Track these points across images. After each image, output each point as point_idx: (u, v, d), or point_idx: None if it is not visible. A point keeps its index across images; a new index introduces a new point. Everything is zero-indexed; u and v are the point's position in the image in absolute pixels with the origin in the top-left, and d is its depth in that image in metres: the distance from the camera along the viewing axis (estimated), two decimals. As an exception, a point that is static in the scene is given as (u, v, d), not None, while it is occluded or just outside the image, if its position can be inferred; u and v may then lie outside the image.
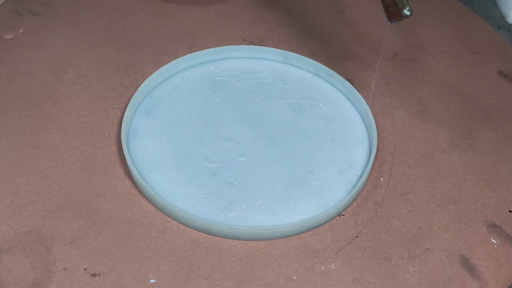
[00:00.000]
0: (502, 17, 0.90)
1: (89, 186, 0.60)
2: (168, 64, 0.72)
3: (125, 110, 0.65)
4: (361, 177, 0.61)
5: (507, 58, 0.80)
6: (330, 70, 0.73)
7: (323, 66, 0.74)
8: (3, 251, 0.54)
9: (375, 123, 0.67)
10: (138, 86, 0.69)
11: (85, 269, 0.53)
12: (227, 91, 0.72)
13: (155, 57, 0.76)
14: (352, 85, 0.72)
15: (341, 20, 0.85)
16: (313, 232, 0.57)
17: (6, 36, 0.78)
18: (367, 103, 0.69)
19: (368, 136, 0.67)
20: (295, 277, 0.53)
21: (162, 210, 0.58)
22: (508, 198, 0.62)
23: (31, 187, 0.59)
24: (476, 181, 0.63)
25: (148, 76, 0.70)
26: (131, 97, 0.67)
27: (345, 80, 0.72)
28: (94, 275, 0.52)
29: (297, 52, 0.76)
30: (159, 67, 0.72)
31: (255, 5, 0.87)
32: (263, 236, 0.56)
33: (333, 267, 0.54)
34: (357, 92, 0.70)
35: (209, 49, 0.75)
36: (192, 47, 0.78)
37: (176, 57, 0.74)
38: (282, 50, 0.76)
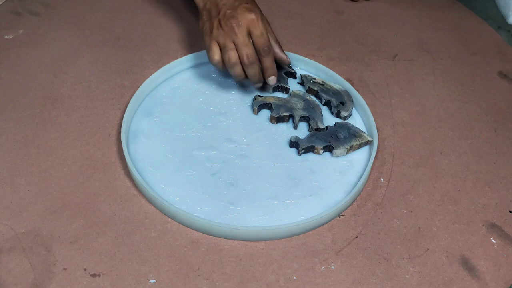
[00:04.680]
0: (502, 17, 0.90)
1: (89, 186, 0.60)
2: (168, 65, 0.72)
3: (125, 111, 0.65)
4: (361, 177, 0.61)
5: (507, 58, 0.80)
6: (330, 70, 0.73)
7: (323, 66, 0.74)
8: (3, 252, 0.54)
9: (375, 123, 0.67)
10: (138, 86, 0.69)
11: (85, 269, 0.53)
12: (227, 91, 0.72)
13: (155, 57, 0.76)
14: (352, 85, 0.72)
15: (341, 20, 0.86)
16: (313, 232, 0.57)
17: (6, 37, 0.78)
18: (367, 103, 0.69)
19: (368, 137, 0.67)
20: (295, 278, 0.53)
21: (162, 210, 0.58)
22: (508, 198, 0.62)
23: (31, 188, 0.59)
24: (476, 181, 0.63)
25: (148, 76, 0.70)
26: (131, 97, 0.67)
27: (345, 80, 0.72)
28: (94, 275, 0.52)
29: (297, 53, 0.76)
30: (159, 67, 0.72)
31: (255, 5, 0.87)
32: (263, 236, 0.56)
33: (333, 267, 0.54)
34: (357, 92, 0.70)
35: (209, 50, 0.75)
36: (192, 48, 0.78)
37: (176, 58, 0.74)
38: (282, 50, 0.76)
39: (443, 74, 0.77)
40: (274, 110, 0.68)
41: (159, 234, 0.56)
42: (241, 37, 0.64)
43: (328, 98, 0.69)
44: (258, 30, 0.64)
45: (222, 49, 0.64)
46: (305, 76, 0.73)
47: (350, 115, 0.69)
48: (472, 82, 0.76)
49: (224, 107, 0.69)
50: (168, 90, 0.71)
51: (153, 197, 0.57)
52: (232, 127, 0.67)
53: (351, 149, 0.64)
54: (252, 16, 0.64)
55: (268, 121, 0.68)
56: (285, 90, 0.71)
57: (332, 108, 0.69)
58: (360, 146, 0.65)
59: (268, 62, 0.66)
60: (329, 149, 0.64)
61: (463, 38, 0.83)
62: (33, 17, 0.82)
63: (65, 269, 0.53)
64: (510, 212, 0.60)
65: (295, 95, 0.70)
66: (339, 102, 0.69)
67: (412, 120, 0.70)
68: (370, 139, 0.65)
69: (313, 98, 0.70)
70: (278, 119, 0.68)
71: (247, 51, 0.64)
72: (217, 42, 0.65)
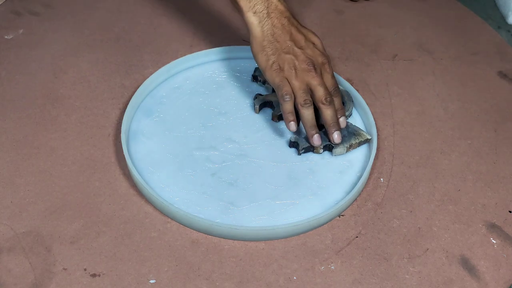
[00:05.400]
0: (502, 17, 0.90)
1: (89, 186, 0.60)
2: (168, 65, 0.72)
3: (125, 111, 0.65)
4: (361, 177, 0.61)
5: (507, 58, 0.80)
6: (330, 70, 0.73)
7: (323, 66, 0.74)
8: (3, 252, 0.54)
9: (375, 123, 0.67)
10: (138, 86, 0.69)
11: (85, 269, 0.53)
12: (227, 91, 0.72)
13: (155, 57, 0.76)
14: (352, 85, 0.72)
15: (341, 20, 0.86)
16: (313, 232, 0.57)
17: (6, 37, 0.78)
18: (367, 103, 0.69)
19: (368, 137, 0.67)
20: (295, 278, 0.53)
21: (162, 210, 0.58)
22: (508, 198, 0.62)
23: (31, 188, 0.59)
24: (476, 181, 0.63)
25: (148, 76, 0.70)
26: (131, 97, 0.67)
27: (345, 80, 0.72)
28: (94, 275, 0.52)
29: (297, 52, 0.76)
30: (159, 67, 0.72)
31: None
32: (263, 236, 0.56)
33: (333, 267, 0.54)
34: (357, 92, 0.70)
35: (209, 50, 0.75)
36: (192, 48, 0.78)
37: (176, 58, 0.74)
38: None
39: (443, 74, 0.77)
40: (275, 108, 0.68)
41: (159, 234, 0.56)
42: (318, 79, 0.62)
43: None
44: (330, 72, 0.64)
45: (297, 90, 0.62)
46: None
47: (350, 115, 0.69)
48: (472, 82, 0.76)
49: (224, 107, 0.69)
50: (168, 90, 0.71)
51: (153, 197, 0.57)
52: (232, 127, 0.67)
53: (351, 147, 0.64)
54: (324, 59, 0.64)
55: (268, 120, 0.68)
56: None
57: None
58: (360, 144, 0.65)
59: (338, 102, 0.64)
60: (328, 148, 0.64)
61: (463, 38, 0.83)
62: (33, 17, 0.82)
63: (65, 269, 0.53)
64: (510, 212, 0.60)
65: None
66: None
67: (412, 120, 0.70)
68: (369, 137, 0.65)
69: None
70: (280, 117, 0.68)
71: (326, 92, 0.62)
72: (287, 80, 0.62)
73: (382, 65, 0.78)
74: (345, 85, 0.71)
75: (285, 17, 0.64)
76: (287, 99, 0.62)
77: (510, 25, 0.88)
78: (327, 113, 0.62)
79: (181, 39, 0.79)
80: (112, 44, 0.78)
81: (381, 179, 0.63)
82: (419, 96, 0.73)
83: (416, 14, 0.88)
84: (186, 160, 0.63)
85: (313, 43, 0.65)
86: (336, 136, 0.62)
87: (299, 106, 0.62)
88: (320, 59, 0.64)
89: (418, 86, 0.75)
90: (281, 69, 0.62)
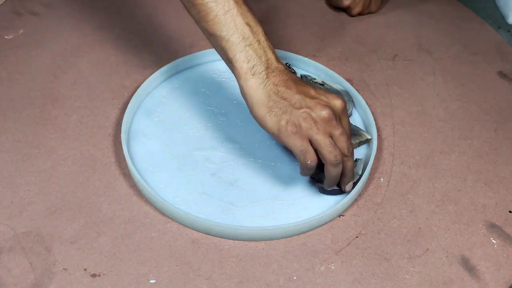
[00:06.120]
0: (502, 17, 0.90)
1: (89, 186, 0.60)
2: (168, 65, 0.72)
3: (125, 111, 0.65)
4: (361, 177, 0.61)
5: (507, 58, 0.80)
6: (330, 70, 0.73)
7: (323, 66, 0.74)
8: (3, 252, 0.54)
9: (375, 123, 0.67)
10: (138, 86, 0.69)
11: (85, 269, 0.53)
12: (227, 91, 0.72)
13: (155, 57, 0.76)
14: (352, 85, 0.72)
15: (341, 20, 0.85)
16: (313, 232, 0.57)
17: (6, 37, 0.78)
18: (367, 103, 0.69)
19: (368, 137, 0.67)
20: (295, 278, 0.53)
21: (162, 210, 0.58)
22: (508, 198, 0.62)
23: (31, 188, 0.59)
24: (476, 181, 0.63)
25: (148, 76, 0.70)
26: (131, 97, 0.67)
27: (345, 80, 0.72)
28: (94, 275, 0.52)
29: (297, 53, 0.76)
30: (159, 67, 0.72)
31: (255, 5, 0.87)
32: (263, 236, 0.56)
33: (333, 267, 0.54)
34: (357, 92, 0.70)
35: (209, 50, 0.75)
36: (192, 48, 0.78)
37: (176, 58, 0.74)
38: (282, 51, 0.76)
39: (443, 74, 0.77)
40: None
41: (159, 234, 0.56)
42: (340, 128, 0.55)
43: None
44: (347, 115, 0.58)
45: (323, 146, 0.54)
46: (305, 76, 0.73)
47: (350, 115, 0.69)
48: (472, 82, 0.76)
49: (224, 107, 0.69)
50: (168, 90, 0.71)
51: (153, 197, 0.57)
52: (232, 127, 0.67)
53: None
54: (341, 102, 0.57)
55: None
56: None
57: None
58: (360, 144, 0.65)
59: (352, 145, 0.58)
60: None
61: (463, 38, 0.83)
62: (33, 17, 0.82)
63: (65, 269, 0.53)
64: (510, 212, 0.60)
65: None
66: None
67: (412, 120, 0.70)
68: (369, 137, 0.65)
69: None
70: None
71: (348, 141, 0.56)
72: (308, 139, 0.55)
73: (382, 65, 0.78)
74: (345, 85, 0.71)
75: (286, 75, 0.56)
76: (312, 165, 0.55)
77: (510, 25, 0.88)
78: (348, 164, 0.57)
79: (181, 39, 0.79)
80: (112, 44, 0.78)
81: (381, 179, 0.63)
82: (419, 96, 0.73)
83: (416, 14, 0.88)
84: (186, 160, 0.63)
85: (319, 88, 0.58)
86: (349, 187, 0.59)
87: (329, 164, 0.55)
88: (337, 102, 0.56)
89: (418, 86, 0.75)
90: (297, 127, 0.54)
